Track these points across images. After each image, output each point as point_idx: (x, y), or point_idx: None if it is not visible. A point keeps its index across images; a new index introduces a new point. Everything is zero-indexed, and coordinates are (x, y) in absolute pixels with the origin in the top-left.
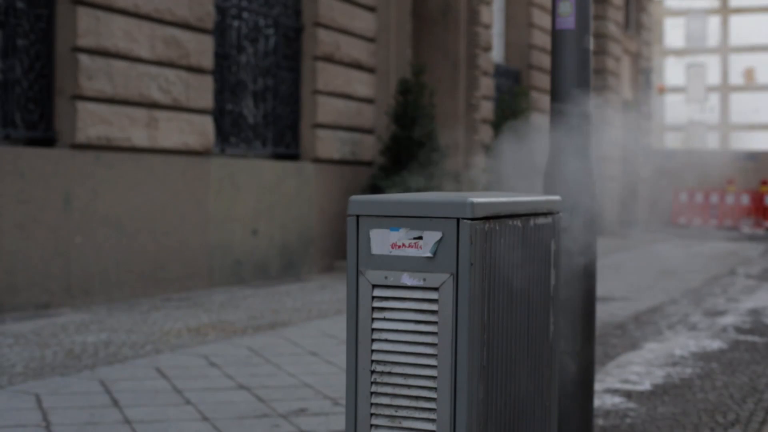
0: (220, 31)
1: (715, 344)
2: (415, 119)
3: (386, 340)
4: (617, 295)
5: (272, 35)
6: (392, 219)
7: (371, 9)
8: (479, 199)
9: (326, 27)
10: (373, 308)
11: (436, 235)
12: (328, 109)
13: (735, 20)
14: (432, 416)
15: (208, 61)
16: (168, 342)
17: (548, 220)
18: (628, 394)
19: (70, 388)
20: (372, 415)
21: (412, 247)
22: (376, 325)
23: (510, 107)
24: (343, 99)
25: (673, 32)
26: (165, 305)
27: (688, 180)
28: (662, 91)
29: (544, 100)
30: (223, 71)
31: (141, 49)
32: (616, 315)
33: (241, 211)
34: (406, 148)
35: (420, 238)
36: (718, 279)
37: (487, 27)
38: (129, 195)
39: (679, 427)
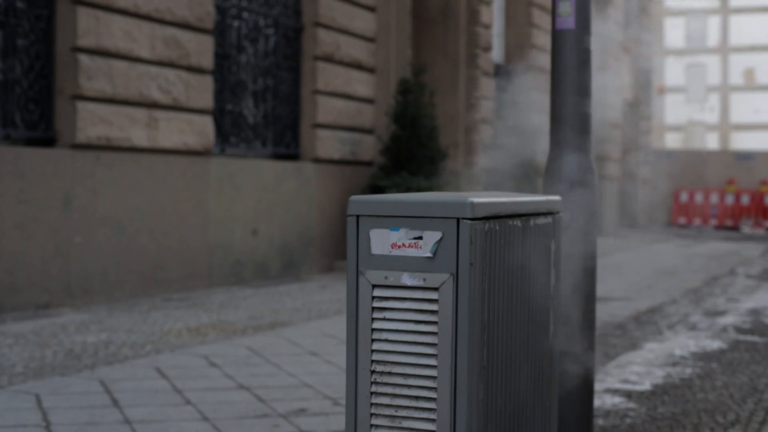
0: (220, 31)
1: (715, 344)
2: (415, 119)
3: (386, 340)
4: (617, 295)
5: (272, 35)
6: (392, 219)
7: (371, 9)
8: (479, 199)
9: (326, 27)
10: (373, 308)
11: (436, 235)
12: (328, 109)
13: (735, 20)
14: (432, 416)
15: (208, 61)
16: (168, 342)
17: (548, 220)
18: (628, 394)
19: (70, 388)
20: (372, 415)
21: (412, 247)
22: (376, 325)
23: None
24: (343, 99)
25: (673, 32)
26: (165, 305)
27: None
28: (662, 91)
29: (544, 100)
30: (223, 71)
31: (141, 49)
32: (616, 315)
33: (241, 211)
34: (406, 148)
35: (420, 238)
36: (718, 279)
37: (487, 27)
38: (129, 195)
39: (679, 427)
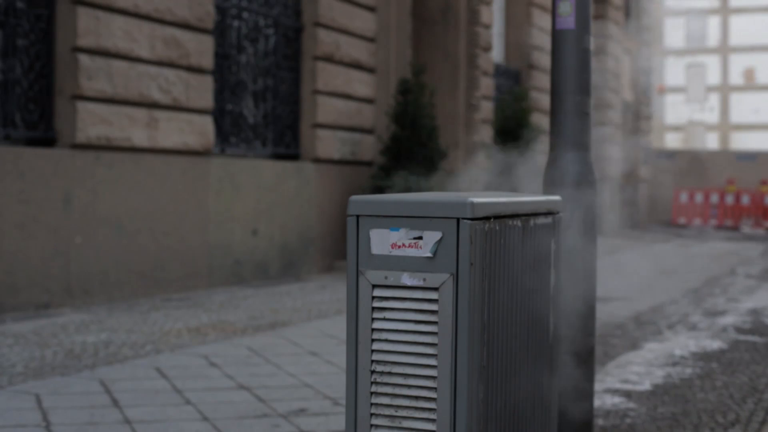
0: (220, 31)
1: (715, 344)
2: (415, 119)
3: (386, 340)
4: (617, 295)
5: (272, 35)
6: (392, 219)
7: (371, 9)
8: (479, 199)
9: (326, 27)
10: (373, 308)
11: (436, 235)
12: (328, 109)
13: (735, 20)
14: (432, 416)
15: (208, 61)
16: (168, 342)
17: (548, 220)
18: (628, 394)
19: (70, 388)
20: (372, 415)
21: (412, 247)
22: (376, 325)
23: (510, 107)
24: (343, 99)
25: (673, 32)
26: (165, 305)
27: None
28: (662, 91)
29: (544, 100)
30: (223, 71)
31: (141, 49)
32: (616, 315)
33: (241, 211)
34: (406, 148)
35: (420, 238)
36: (718, 279)
37: (487, 27)
38: (129, 195)
39: (679, 427)
